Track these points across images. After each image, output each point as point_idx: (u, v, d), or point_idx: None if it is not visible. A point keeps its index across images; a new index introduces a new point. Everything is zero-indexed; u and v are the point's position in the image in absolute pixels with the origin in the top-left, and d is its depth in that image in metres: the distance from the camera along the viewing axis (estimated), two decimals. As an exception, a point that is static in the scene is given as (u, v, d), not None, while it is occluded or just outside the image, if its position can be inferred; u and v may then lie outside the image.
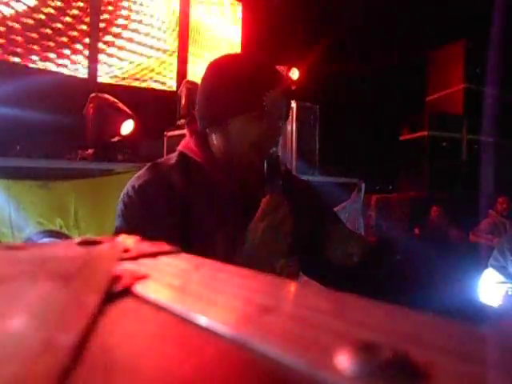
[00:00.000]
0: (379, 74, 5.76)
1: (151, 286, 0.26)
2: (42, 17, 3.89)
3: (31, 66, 3.81)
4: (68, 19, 4.08)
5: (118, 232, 0.83)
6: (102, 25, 4.36)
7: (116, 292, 0.25)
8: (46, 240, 2.20)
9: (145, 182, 0.86)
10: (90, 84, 4.01)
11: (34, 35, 3.85)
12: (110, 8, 4.44)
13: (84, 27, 4.21)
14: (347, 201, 3.88)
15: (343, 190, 3.89)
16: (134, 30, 4.60)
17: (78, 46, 4.18)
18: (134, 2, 4.62)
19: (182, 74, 4.83)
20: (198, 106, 0.93)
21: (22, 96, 3.13)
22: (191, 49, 5.09)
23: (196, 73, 4.97)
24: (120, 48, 4.50)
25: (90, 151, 2.75)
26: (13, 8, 3.69)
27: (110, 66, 4.43)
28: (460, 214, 4.92)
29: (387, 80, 5.95)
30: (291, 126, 3.63)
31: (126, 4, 4.55)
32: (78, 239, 0.37)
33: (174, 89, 4.67)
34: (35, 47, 3.85)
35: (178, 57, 4.92)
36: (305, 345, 0.18)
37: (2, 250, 0.35)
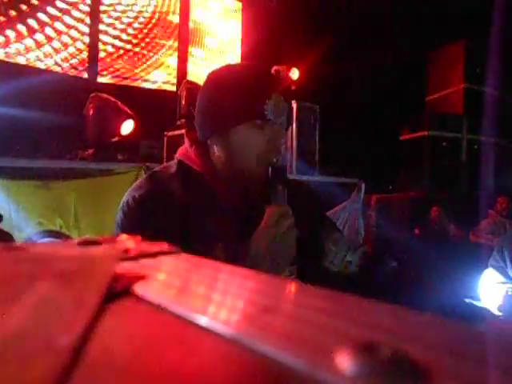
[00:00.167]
0: (379, 74, 5.76)
1: (151, 285, 0.26)
2: (43, 17, 3.89)
3: (31, 65, 3.81)
4: (68, 19, 4.08)
5: None
6: (101, 25, 4.36)
7: (116, 292, 0.25)
8: (46, 240, 2.20)
9: (145, 192, 0.84)
10: (90, 84, 4.01)
11: (34, 35, 3.85)
12: (110, 8, 4.44)
13: (84, 27, 4.21)
14: (347, 201, 3.88)
15: (343, 190, 3.89)
16: (133, 30, 4.60)
17: (78, 46, 4.18)
18: (134, 2, 4.62)
19: (182, 74, 4.83)
20: (198, 117, 0.92)
21: (22, 96, 3.13)
22: (191, 49, 5.09)
23: (196, 73, 4.98)
24: (120, 48, 4.50)
25: (90, 151, 2.76)
26: (13, 8, 3.69)
27: (110, 65, 4.43)
28: (460, 213, 4.91)
29: (387, 80, 5.95)
30: (291, 126, 3.63)
31: (126, 4, 4.55)
32: (77, 239, 0.37)
33: (174, 89, 4.67)
34: (35, 47, 3.85)
35: (178, 57, 4.92)
36: (305, 345, 0.18)
37: (1, 250, 0.35)
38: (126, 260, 0.32)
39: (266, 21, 5.14)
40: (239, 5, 5.51)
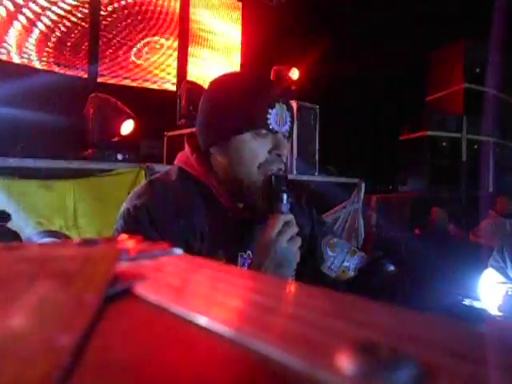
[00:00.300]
0: (379, 74, 5.76)
1: (151, 285, 0.26)
2: (43, 16, 3.89)
3: (31, 66, 3.81)
4: (68, 19, 4.08)
5: None
6: (101, 25, 4.36)
7: (116, 292, 0.25)
8: (46, 240, 2.20)
9: (147, 200, 0.83)
10: (90, 84, 4.01)
11: (34, 35, 3.84)
12: (110, 8, 4.44)
13: (84, 27, 4.21)
14: (347, 201, 3.88)
15: (343, 190, 3.89)
16: (133, 30, 4.60)
17: (78, 46, 4.18)
18: (134, 2, 4.62)
19: (182, 74, 4.83)
20: (200, 125, 0.91)
21: (22, 96, 3.13)
22: (191, 49, 5.08)
23: (196, 73, 4.98)
24: (120, 48, 4.50)
25: (90, 151, 2.76)
26: (13, 7, 3.69)
27: (110, 65, 4.43)
28: (460, 213, 4.91)
29: (387, 80, 5.95)
30: (292, 120, 3.63)
31: (126, 4, 4.55)
32: (77, 239, 0.37)
33: (174, 89, 4.67)
34: (35, 47, 3.85)
35: (178, 57, 4.92)
36: (305, 345, 0.18)
37: (2, 250, 0.35)
38: (126, 260, 0.32)
39: (266, 21, 5.14)
40: (239, 5, 5.51)
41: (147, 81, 4.69)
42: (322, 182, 3.81)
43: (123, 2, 4.53)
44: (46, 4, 3.91)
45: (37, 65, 3.86)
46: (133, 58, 4.59)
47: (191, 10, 5.08)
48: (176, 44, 4.92)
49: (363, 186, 3.97)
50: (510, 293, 1.81)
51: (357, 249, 0.95)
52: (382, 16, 5.42)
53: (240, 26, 5.50)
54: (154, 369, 0.17)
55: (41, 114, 3.14)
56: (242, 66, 5.34)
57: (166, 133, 3.49)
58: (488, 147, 6.22)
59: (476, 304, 2.21)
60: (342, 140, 5.35)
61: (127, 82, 4.52)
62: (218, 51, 5.31)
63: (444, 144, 6.34)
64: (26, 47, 3.80)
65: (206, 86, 1.02)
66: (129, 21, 4.57)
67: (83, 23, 4.21)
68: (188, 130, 2.84)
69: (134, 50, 4.61)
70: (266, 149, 0.86)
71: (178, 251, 0.36)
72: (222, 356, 0.19)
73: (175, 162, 0.95)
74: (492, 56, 4.96)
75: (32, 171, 2.27)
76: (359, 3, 5.50)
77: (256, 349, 0.18)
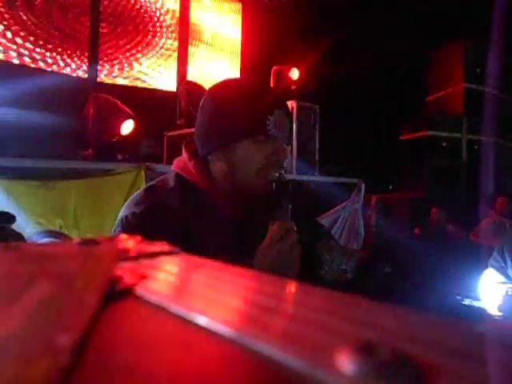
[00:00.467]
0: (379, 74, 5.76)
1: (151, 285, 0.26)
2: (43, 16, 3.89)
3: (31, 66, 3.81)
4: (68, 19, 4.08)
5: None
6: (101, 25, 4.36)
7: (116, 292, 0.25)
8: (46, 240, 2.20)
9: (145, 208, 0.83)
10: (90, 84, 4.01)
11: (34, 35, 3.84)
12: (110, 8, 4.44)
13: (84, 27, 4.21)
14: (347, 201, 3.88)
15: (343, 190, 3.89)
16: (133, 30, 4.60)
17: (78, 46, 4.18)
18: (134, 2, 4.62)
19: (182, 74, 4.83)
20: (198, 132, 0.91)
21: (22, 96, 3.13)
22: (191, 49, 5.08)
23: (196, 73, 4.97)
24: (120, 48, 4.50)
25: (90, 151, 2.76)
26: (13, 7, 3.69)
27: (110, 65, 4.43)
28: (460, 213, 4.92)
29: (387, 80, 5.95)
30: (291, 126, 3.63)
31: (125, 4, 4.55)
32: (77, 239, 0.37)
33: (174, 89, 4.67)
34: (35, 47, 3.85)
35: (178, 57, 4.92)
36: (305, 345, 0.18)
37: (2, 250, 0.35)
38: (126, 260, 0.32)
39: (266, 21, 5.14)
40: (239, 5, 5.51)
41: (147, 81, 4.69)
42: (322, 181, 3.81)
43: (123, 2, 4.54)
44: (45, 4, 3.91)
45: (36, 65, 3.86)
46: (132, 58, 4.59)
47: (191, 10, 5.08)
48: (176, 44, 4.92)
49: (363, 186, 3.97)
50: (510, 293, 1.81)
51: (354, 251, 0.95)
52: (382, 16, 5.42)
53: (240, 26, 5.50)
54: (154, 369, 0.17)
55: (41, 114, 3.14)
56: (242, 66, 5.34)
57: (165, 133, 3.49)
58: (488, 147, 6.22)
59: (476, 304, 2.21)
60: (342, 140, 5.35)
61: (127, 82, 4.52)
62: (218, 51, 5.31)
63: (444, 144, 6.34)
64: (26, 47, 3.80)
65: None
66: (129, 21, 4.57)
67: (83, 23, 4.21)
68: (188, 130, 2.84)
69: (134, 50, 4.61)
70: (265, 154, 0.86)
71: (178, 251, 0.37)
72: (222, 356, 0.19)
73: (172, 167, 0.94)
74: (492, 56, 4.95)
75: (32, 171, 2.27)
76: (359, 3, 5.50)
77: (256, 349, 0.18)
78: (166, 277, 0.29)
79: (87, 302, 0.22)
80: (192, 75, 4.85)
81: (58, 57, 4.01)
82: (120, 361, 0.18)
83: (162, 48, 4.83)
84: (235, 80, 1.02)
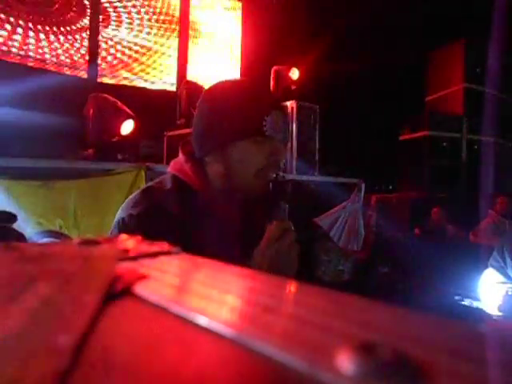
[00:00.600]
0: (379, 74, 5.76)
1: (151, 285, 0.26)
2: (43, 17, 3.89)
3: (31, 65, 3.81)
4: (68, 18, 4.08)
5: None
6: (101, 24, 4.36)
7: (116, 292, 0.25)
8: (46, 240, 2.20)
9: (142, 210, 0.83)
10: (90, 84, 4.01)
11: (34, 35, 3.84)
12: (110, 8, 4.44)
13: (84, 26, 4.21)
14: (347, 201, 3.89)
15: (343, 190, 3.90)
16: (133, 30, 4.60)
17: (78, 46, 4.18)
18: (134, 2, 4.62)
19: (181, 74, 4.83)
20: (195, 134, 0.91)
21: (22, 96, 3.13)
22: (191, 49, 5.08)
23: (196, 73, 4.97)
24: (120, 48, 4.50)
25: (90, 151, 2.76)
26: (13, 7, 3.69)
27: (110, 65, 4.43)
28: (460, 213, 4.92)
29: (387, 80, 5.95)
30: (291, 126, 3.63)
31: (125, 4, 4.55)
32: (77, 239, 0.37)
33: (174, 89, 4.67)
34: (35, 47, 3.85)
35: (178, 57, 4.92)
36: (305, 345, 0.18)
37: (2, 250, 0.35)
38: (126, 260, 0.32)
39: (266, 21, 5.14)
40: (239, 5, 5.51)
41: (147, 81, 4.69)
42: (322, 181, 3.82)
43: (123, 2, 4.54)
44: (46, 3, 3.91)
45: (36, 65, 3.86)
46: (132, 58, 4.59)
47: (191, 10, 5.08)
48: (176, 44, 4.92)
49: (363, 186, 3.97)
50: (510, 293, 1.81)
51: (351, 252, 0.95)
52: (382, 16, 5.42)
53: (240, 26, 5.50)
54: (154, 369, 0.17)
55: (41, 114, 3.14)
56: (242, 66, 5.34)
57: (165, 133, 3.49)
58: (488, 147, 6.22)
59: (476, 304, 2.21)
60: (342, 140, 5.35)
61: (127, 82, 4.52)
62: (218, 51, 5.31)
63: (444, 144, 6.35)
64: (26, 47, 3.80)
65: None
66: (129, 21, 4.57)
67: (83, 22, 4.21)
68: (188, 130, 2.84)
69: (134, 49, 4.61)
70: (263, 155, 0.86)
71: (178, 251, 0.37)
72: (222, 356, 0.19)
73: (169, 169, 0.94)
74: (492, 56, 4.95)
75: (32, 171, 2.27)
76: (359, 3, 5.50)
77: (256, 349, 0.18)
78: (165, 277, 0.29)
79: (87, 302, 0.22)
80: (192, 75, 4.86)
81: (58, 57, 4.01)
82: (120, 361, 0.18)
83: (161, 48, 4.83)
84: (231, 81, 1.02)
